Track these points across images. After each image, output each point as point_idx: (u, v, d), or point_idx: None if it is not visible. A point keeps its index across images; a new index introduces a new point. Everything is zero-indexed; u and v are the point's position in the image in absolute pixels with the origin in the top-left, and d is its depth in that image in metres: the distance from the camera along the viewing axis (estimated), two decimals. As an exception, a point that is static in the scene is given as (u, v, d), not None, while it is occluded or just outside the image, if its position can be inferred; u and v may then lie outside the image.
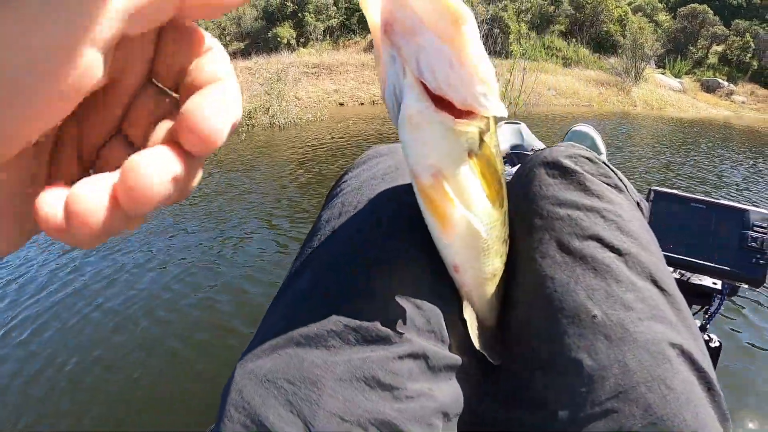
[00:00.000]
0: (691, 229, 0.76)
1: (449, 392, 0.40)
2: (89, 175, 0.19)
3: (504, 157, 1.05)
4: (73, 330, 1.70)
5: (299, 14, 11.11)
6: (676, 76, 12.61)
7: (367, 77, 8.64)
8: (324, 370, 0.35)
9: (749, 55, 13.11)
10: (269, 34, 11.07)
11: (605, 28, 12.98)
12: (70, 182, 0.18)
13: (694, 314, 0.85)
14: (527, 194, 0.50)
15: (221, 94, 0.19)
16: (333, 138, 5.10)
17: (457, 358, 0.43)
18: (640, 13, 14.45)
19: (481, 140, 0.35)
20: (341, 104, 7.80)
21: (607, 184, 0.51)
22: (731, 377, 1.50)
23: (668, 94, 10.93)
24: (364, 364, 0.36)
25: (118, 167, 0.18)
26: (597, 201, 0.48)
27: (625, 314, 0.40)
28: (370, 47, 10.35)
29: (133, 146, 0.21)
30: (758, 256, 0.71)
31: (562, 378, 0.39)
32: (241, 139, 4.95)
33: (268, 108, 6.02)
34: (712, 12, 13.91)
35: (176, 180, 0.18)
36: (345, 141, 4.92)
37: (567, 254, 0.44)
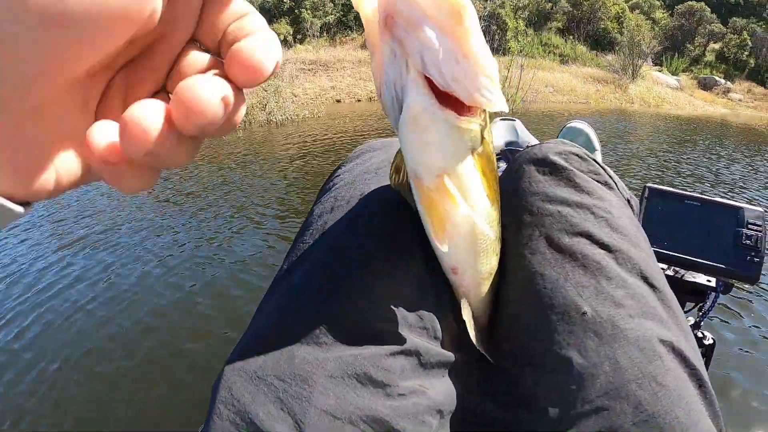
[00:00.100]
0: (685, 227, 0.76)
1: (442, 389, 0.40)
2: None
3: (498, 154, 1.05)
4: (59, 329, 1.69)
5: (296, 11, 11.07)
6: (673, 74, 12.63)
7: (364, 74, 8.61)
8: (315, 366, 0.35)
9: (746, 52, 13.15)
10: (266, 31, 10.98)
11: (602, 26, 12.98)
12: None
13: (688, 311, 0.86)
14: (517, 190, 0.50)
15: (264, 37, 0.21)
16: (330, 135, 5.09)
17: (449, 355, 0.43)
18: (637, 11, 14.46)
19: (482, 137, 0.34)
20: (338, 101, 7.79)
21: (597, 181, 0.50)
22: (725, 374, 1.50)
23: (665, 92, 10.95)
24: (355, 361, 0.36)
25: None
26: (587, 197, 0.48)
27: (615, 311, 0.39)
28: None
29: None
30: (752, 253, 0.71)
31: (552, 375, 0.39)
32: (238, 136, 4.93)
33: (265, 105, 6.00)
34: (709, 9, 13.95)
35: (225, 102, 0.20)
36: (341, 138, 4.91)
37: (557, 251, 0.44)
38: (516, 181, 0.51)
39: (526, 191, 0.49)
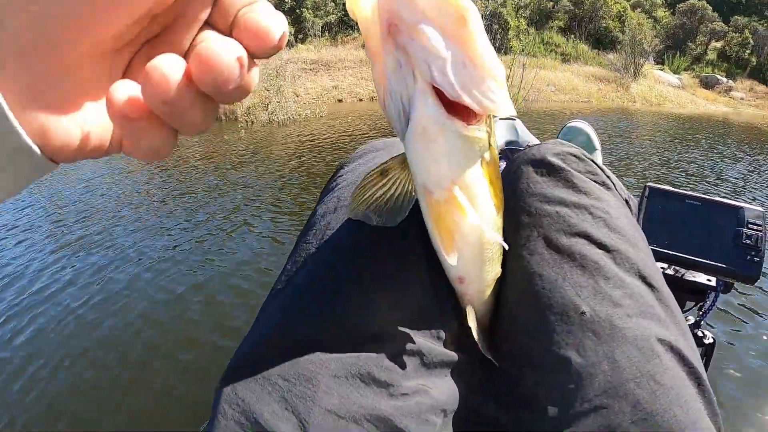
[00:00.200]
0: (686, 226, 0.76)
1: (445, 389, 0.41)
2: None
3: (498, 153, 1.05)
4: (52, 331, 1.69)
5: (297, 10, 11.05)
6: (674, 73, 12.58)
7: (366, 73, 8.60)
8: (319, 366, 0.36)
9: (748, 51, 13.09)
10: (267, 30, 10.97)
11: (604, 24, 12.94)
12: None
13: (688, 311, 0.86)
14: (515, 191, 0.50)
15: (271, 9, 0.23)
16: (332, 134, 5.09)
17: (452, 355, 0.43)
18: (638, 9, 14.41)
19: (489, 144, 0.33)
20: (340, 100, 7.78)
21: (595, 182, 0.51)
22: (725, 374, 1.50)
23: (667, 90, 10.91)
24: (359, 361, 0.37)
25: None
26: (584, 198, 0.48)
27: (613, 311, 0.40)
28: (368, 43, 10.26)
29: None
30: (752, 253, 0.71)
31: (552, 375, 0.39)
32: (240, 136, 4.93)
33: (267, 104, 6.00)
34: (711, 8, 13.89)
35: (240, 62, 0.21)
36: (343, 137, 4.91)
37: (555, 251, 0.44)
38: (514, 182, 0.51)
39: (524, 192, 0.49)
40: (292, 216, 2.71)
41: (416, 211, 0.39)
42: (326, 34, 11.38)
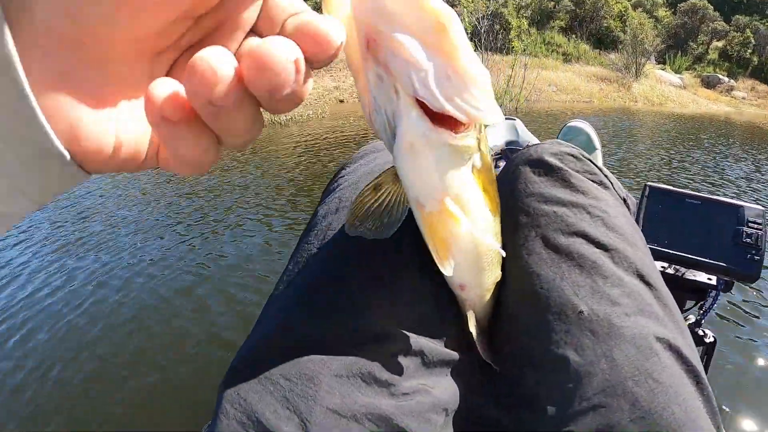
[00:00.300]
0: (686, 225, 0.76)
1: (446, 388, 0.41)
2: None
3: (498, 154, 1.05)
4: (60, 333, 1.69)
5: (299, 11, 11.07)
6: (676, 72, 12.55)
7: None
8: (320, 366, 0.36)
9: (749, 50, 13.05)
10: (269, 32, 10.99)
11: (605, 24, 12.91)
12: None
13: (689, 310, 0.86)
14: (513, 192, 0.50)
15: (324, 17, 0.21)
16: (333, 135, 5.09)
17: (453, 354, 0.43)
18: (640, 9, 14.39)
19: (479, 150, 0.33)
20: (341, 101, 7.78)
21: (593, 181, 0.51)
22: (725, 373, 1.50)
23: (669, 90, 10.88)
24: (360, 361, 0.37)
25: None
26: (582, 197, 0.48)
27: (611, 309, 0.40)
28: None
29: None
30: (752, 252, 0.71)
31: (552, 375, 0.39)
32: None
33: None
34: (712, 7, 13.85)
35: (297, 66, 0.19)
36: (345, 137, 4.91)
37: (553, 251, 0.44)
38: (512, 183, 0.51)
39: (522, 192, 0.49)
40: (293, 216, 2.71)
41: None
42: (327, 35, 11.38)
